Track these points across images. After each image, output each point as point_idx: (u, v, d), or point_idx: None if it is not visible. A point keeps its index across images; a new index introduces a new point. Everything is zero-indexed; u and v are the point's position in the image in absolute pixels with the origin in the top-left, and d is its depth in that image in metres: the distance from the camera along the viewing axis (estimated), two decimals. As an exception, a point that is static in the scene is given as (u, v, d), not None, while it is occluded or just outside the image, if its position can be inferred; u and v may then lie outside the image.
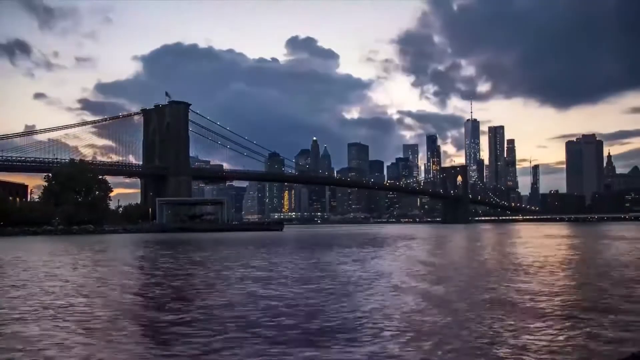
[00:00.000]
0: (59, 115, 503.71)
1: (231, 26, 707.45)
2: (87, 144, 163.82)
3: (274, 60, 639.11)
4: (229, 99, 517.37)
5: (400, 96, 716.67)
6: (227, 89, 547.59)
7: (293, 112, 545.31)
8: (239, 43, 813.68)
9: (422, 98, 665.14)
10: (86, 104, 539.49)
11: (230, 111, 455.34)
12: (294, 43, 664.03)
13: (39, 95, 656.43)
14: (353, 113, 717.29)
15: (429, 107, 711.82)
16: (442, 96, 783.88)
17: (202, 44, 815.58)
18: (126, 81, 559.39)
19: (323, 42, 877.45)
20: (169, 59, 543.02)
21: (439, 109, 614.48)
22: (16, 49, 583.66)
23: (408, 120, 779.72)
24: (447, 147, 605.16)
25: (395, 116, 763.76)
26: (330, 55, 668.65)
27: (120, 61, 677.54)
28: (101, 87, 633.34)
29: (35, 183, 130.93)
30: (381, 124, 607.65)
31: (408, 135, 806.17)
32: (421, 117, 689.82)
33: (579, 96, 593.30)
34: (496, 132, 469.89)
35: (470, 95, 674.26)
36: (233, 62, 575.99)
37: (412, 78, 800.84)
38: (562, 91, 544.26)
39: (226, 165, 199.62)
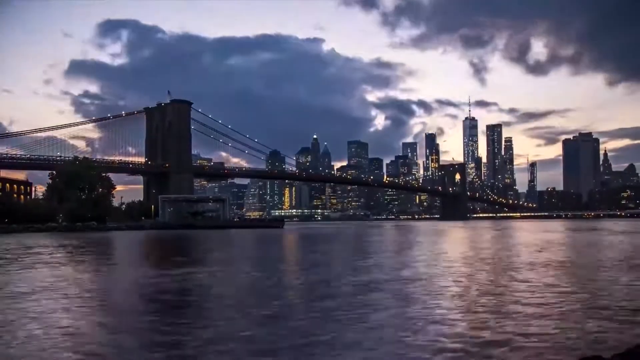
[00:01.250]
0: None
1: (223, 16, 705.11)
2: (89, 141, 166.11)
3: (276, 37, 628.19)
4: (226, 86, 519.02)
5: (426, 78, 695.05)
6: (222, 76, 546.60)
7: (298, 99, 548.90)
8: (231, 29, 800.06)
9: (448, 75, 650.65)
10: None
11: (228, 101, 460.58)
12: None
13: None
14: (373, 97, 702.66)
15: (455, 87, 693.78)
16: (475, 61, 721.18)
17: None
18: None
19: (320, 27, 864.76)
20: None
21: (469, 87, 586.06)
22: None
23: (432, 104, 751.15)
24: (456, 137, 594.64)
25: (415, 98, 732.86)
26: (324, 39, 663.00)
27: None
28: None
29: (30, 176, 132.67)
30: (400, 107, 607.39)
31: (429, 122, 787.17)
32: (442, 103, 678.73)
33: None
34: (494, 130, 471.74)
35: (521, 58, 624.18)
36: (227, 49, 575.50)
37: (437, 51, 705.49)
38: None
39: (228, 158, 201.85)
